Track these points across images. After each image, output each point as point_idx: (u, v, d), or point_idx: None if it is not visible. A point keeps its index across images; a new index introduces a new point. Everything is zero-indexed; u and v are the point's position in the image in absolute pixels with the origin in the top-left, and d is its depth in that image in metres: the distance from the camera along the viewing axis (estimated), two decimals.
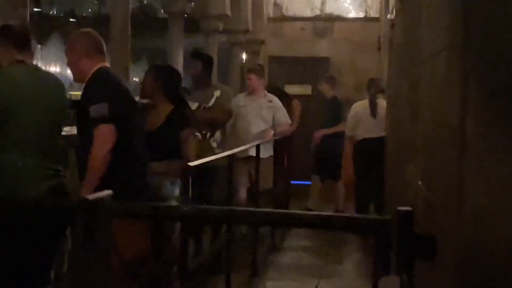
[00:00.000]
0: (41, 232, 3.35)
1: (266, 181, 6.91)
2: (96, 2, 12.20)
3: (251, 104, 7.09)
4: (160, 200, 4.10)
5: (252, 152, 6.37)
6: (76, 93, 8.35)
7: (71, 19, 13.19)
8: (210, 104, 5.98)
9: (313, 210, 9.08)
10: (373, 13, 12.72)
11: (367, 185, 7.83)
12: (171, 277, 4.22)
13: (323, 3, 13.10)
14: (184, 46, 8.41)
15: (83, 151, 3.60)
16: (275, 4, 13.20)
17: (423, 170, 3.01)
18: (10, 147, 3.40)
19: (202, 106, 5.97)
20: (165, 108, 4.62)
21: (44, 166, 3.49)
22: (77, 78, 3.83)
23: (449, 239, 2.13)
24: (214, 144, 5.66)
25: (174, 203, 4.28)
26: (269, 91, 7.64)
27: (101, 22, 9.44)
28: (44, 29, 13.06)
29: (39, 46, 14.36)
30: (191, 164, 3.94)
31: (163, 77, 4.70)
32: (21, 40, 3.62)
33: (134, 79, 8.51)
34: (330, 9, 13.05)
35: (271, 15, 13.00)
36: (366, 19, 12.80)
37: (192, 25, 10.04)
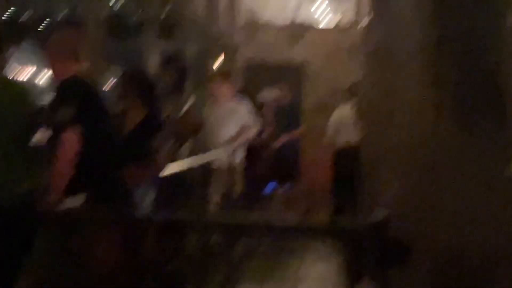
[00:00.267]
0: (7, 239, 3.28)
1: (239, 187, 6.85)
2: (69, 6, 12.07)
3: (216, 111, 6.97)
4: (132, 207, 4.05)
5: (214, 160, 6.33)
6: (46, 96, 8.27)
7: (44, 23, 13.05)
8: (181, 114, 5.88)
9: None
10: (347, 20, 12.78)
11: (345, 191, 7.85)
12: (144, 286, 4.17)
13: (297, 10, 13.13)
14: (159, 51, 8.38)
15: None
16: (249, 11, 13.20)
17: (398, 175, 3.01)
18: None
19: (170, 116, 5.86)
20: (138, 114, 4.58)
21: (14, 173, 3.44)
22: (53, 80, 3.83)
23: (423, 245, 2.14)
24: (180, 153, 5.43)
25: (146, 210, 4.24)
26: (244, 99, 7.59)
27: (76, 26, 9.37)
28: (16, 33, 12.90)
29: (11, 50, 14.19)
30: (165, 173, 3.91)
31: (136, 82, 4.66)
32: None
33: (107, 83, 8.39)
34: (304, 15, 13.09)
35: (245, 21, 13.00)
36: (340, 26, 12.86)
37: (166, 30, 10.01)
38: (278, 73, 12.26)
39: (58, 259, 3.08)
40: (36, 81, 16.39)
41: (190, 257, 5.27)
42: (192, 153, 5.79)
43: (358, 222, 2.81)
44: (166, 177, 3.98)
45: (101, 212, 2.25)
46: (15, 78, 4.05)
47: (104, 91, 3.99)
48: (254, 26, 13.04)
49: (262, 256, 7.04)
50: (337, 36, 12.50)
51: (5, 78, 3.97)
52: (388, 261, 2.01)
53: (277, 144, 8.61)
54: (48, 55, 3.87)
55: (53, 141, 3.61)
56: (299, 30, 12.84)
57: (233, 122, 6.99)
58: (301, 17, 13.10)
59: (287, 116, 9.05)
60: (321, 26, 13.01)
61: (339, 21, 13.03)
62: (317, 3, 12.47)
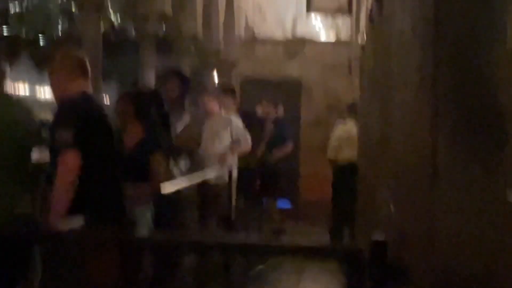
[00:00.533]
0: (4, 260, 3.26)
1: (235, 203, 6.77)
2: (67, 23, 12.11)
3: (207, 127, 6.88)
4: (132, 226, 4.04)
5: (211, 178, 6.27)
6: (43, 114, 8.25)
7: (41, 41, 13.09)
8: (179, 130, 5.76)
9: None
10: (344, 36, 12.84)
11: (345, 208, 7.85)
12: None
13: (294, 25, 13.19)
14: (156, 67, 8.39)
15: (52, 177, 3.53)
16: (247, 26, 13.26)
17: (394, 198, 3.02)
18: None
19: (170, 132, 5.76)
20: (137, 132, 4.59)
21: (11, 195, 3.42)
22: (56, 99, 3.75)
23: (420, 268, 2.14)
24: (177, 172, 5.29)
25: (145, 229, 4.23)
26: (242, 115, 7.56)
27: (72, 43, 9.38)
28: (14, 50, 12.93)
29: (8, 67, 14.20)
30: (164, 191, 3.90)
31: (135, 101, 4.66)
32: None
33: (105, 99, 8.35)
34: (301, 31, 13.15)
35: (243, 37, 13.05)
36: (337, 42, 12.92)
37: (164, 47, 10.04)
38: (276, 88, 12.30)
39: (56, 280, 3.07)
40: (32, 99, 16.41)
41: (187, 277, 5.25)
42: (190, 169, 5.71)
43: (356, 242, 2.82)
44: (164, 196, 3.97)
45: (99, 234, 2.25)
46: (10, 97, 3.99)
47: (105, 109, 3.90)
48: (252, 42, 13.10)
49: (260, 275, 7.04)
50: (334, 51, 12.56)
51: (12, 96, 3.96)
52: (386, 282, 2.01)
53: (272, 159, 8.53)
54: (50, 72, 3.78)
55: (53, 162, 3.57)
56: (297, 45, 12.90)
57: (225, 137, 6.95)
58: (299, 33, 13.15)
59: (285, 130, 9.04)
60: (318, 41, 13.05)
61: (337, 37, 13.08)
62: (315, 19, 12.52)
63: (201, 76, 11.27)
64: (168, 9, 7.99)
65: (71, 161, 3.41)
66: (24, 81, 15.93)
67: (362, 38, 6.85)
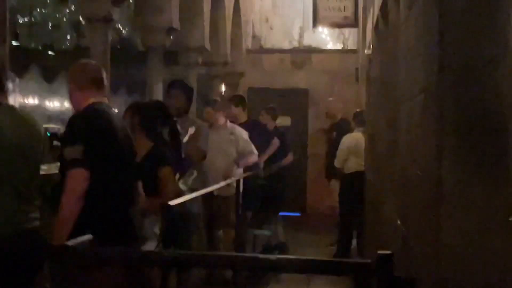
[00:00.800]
0: (10, 276, 3.23)
1: (230, 220, 6.59)
2: (75, 35, 12.19)
3: (212, 138, 6.61)
4: (140, 240, 4.04)
5: (217, 191, 6.17)
6: (52, 126, 8.33)
7: (49, 52, 13.17)
8: (184, 141, 5.65)
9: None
10: (351, 45, 12.87)
11: (353, 219, 7.85)
12: None
13: (301, 35, 13.23)
14: (163, 78, 8.41)
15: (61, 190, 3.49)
16: (254, 37, 13.31)
17: (400, 209, 3.02)
18: None
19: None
20: (144, 145, 4.58)
21: (19, 210, 3.41)
22: (74, 110, 3.69)
23: (427, 282, 2.14)
24: (184, 187, 5.22)
25: (153, 243, 4.23)
26: (249, 125, 7.47)
27: (81, 54, 9.43)
28: (23, 62, 13.02)
29: (17, 79, 14.27)
30: (171, 202, 3.89)
31: (141, 113, 4.65)
32: None
33: (113, 110, 8.30)
34: (308, 41, 13.18)
35: (250, 47, 13.10)
36: (344, 51, 12.94)
37: (171, 57, 10.08)
38: (283, 98, 12.33)
39: None
40: (41, 110, 16.49)
41: None
42: (196, 182, 5.65)
43: (364, 259, 2.82)
44: (172, 209, 3.97)
45: (107, 251, 2.25)
46: (18, 111, 3.95)
47: (118, 121, 3.80)
48: (259, 52, 13.14)
49: None
50: (341, 61, 12.58)
51: (22, 111, 3.93)
52: None
53: (272, 170, 8.31)
54: (70, 84, 3.71)
55: (61, 176, 3.51)
56: (304, 55, 12.93)
57: (230, 150, 6.82)
58: (306, 42, 13.19)
59: (285, 141, 8.88)
60: (325, 50, 13.08)
61: (344, 46, 13.11)
62: (321, 29, 12.54)
63: (209, 87, 11.31)
64: (175, 21, 8.02)
65: (79, 178, 3.35)
66: (33, 92, 16.06)
67: (368, 48, 6.87)
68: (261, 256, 2.27)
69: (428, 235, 2.24)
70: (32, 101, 16.23)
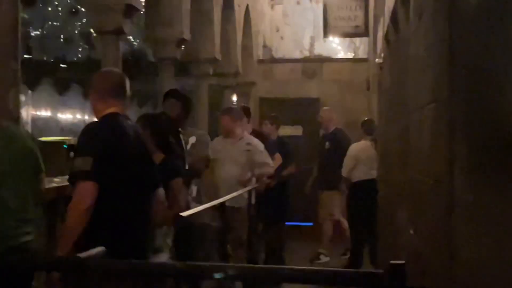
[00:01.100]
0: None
1: (243, 232, 6.47)
2: (86, 47, 12.27)
3: (227, 149, 6.60)
4: (153, 252, 4.03)
5: (229, 202, 5.99)
6: (68, 138, 8.38)
7: (61, 65, 13.26)
8: (187, 149, 5.56)
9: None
10: (362, 54, 12.86)
11: (364, 227, 7.82)
12: None
13: (312, 45, 13.24)
14: (172, 88, 8.40)
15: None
16: (265, 47, 13.34)
17: (413, 219, 3.01)
18: None
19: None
20: (156, 157, 4.58)
21: (10, 226, 3.41)
22: (95, 116, 3.63)
23: None
24: (188, 198, 5.18)
25: (166, 254, 4.22)
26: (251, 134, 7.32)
27: (92, 66, 9.48)
28: (35, 74, 13.11)
29: (29, 92, 14.40)
30: (183, 214, 3.89)
31: (151, 126, 4.64)
32: None
33: (130, 121, 8.27)
34: (319, 50, 13.19)
35: (261, 58, 13.13)
36: (355, 60, 12.93)
37: (182, 69, 10.12)
38: (294, 107, 12.33)
39: None
40: (53, 122, 16.61)
41: None
42: (197, 199, 5.53)
43: (377, 269, 2.80)
44: (184, 220, 3.96)
45: (119, 263, 2.26)
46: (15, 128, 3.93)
47: (133, 132, 3.71)
48: (270, 62, 13.16)
49: None
50: (353, 69, 12.57)
51: (17, 128, 3.92)
52: None
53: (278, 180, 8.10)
54: (91, 91, 3.65)
55: (72, 187, 3.48)
56: (315, 64, 12.93)
57: (241, 162, 6.64)
58: (317, 52, 13.20)
59: (289, 151, 8.69)
60: (336, 59, 13.08)
61: (355, 55, 13.11)
62: (332, 38, 12.55)
63: (220, 98, 11.33)
64: (186, 32, 8.05)
65: (86, 190, 3.30)
66: (45, 104, 16.16)
67: (379, 57, 6.86)
68: (272, 267, 2.27)
69: (441, 245, 2.23)
70: (44, 113, 16.31)
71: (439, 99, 2.32)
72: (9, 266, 2.76)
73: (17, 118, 4.60)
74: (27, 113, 14.55)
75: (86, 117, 16.17)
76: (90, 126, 3.60)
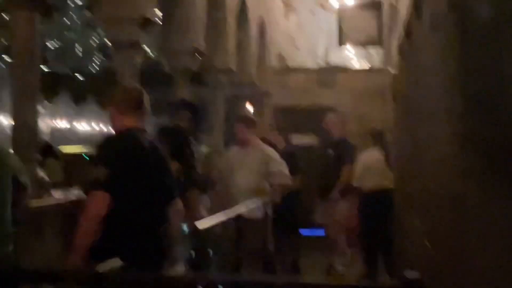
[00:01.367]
0: None
1: (259, 243, 6.32)
2: (103, 58, 12.37)
3: (242, 158, 6.47)
4: (170, 262, 4.05)
5: (245, 213, 5.90)
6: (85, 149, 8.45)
7: (78, 76, 13.38)
8: (200, 160, 5.67)
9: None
10: (376, 63, 12.87)
11: (377, 235, 7.79)
12: None
13: (326, 54, 13.26)
14: (190, 99, 8.44)
15: None
16: (280, 56, 13.37)
17: (428, 229, 3.02)
18: None
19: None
20: (172, 168, 4.61)
21: None
22: (112, 130, 3.67)
23: None
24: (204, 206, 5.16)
25: (183, 265, 4.24)
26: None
27: (109, 78, 9.55)
28: (52, 86, 13.23)
29: (47, 103, 14.53)
30: (201, 227, 3.90)
31: (172, 138, 4.66)
32: None
33: (147, 135, 8.29)
34: (333, 59, 13.21)
35: (276, 67, 13.16)
36: (369, 69, 12.94)
37: (198, 78, 10.16)
38: (309, 117, 12.34)
39: None
40: (70, 133, 16.73)
41: None
42: (214, 201, 5.52)
43: (393, 282, 2.81)
44: (201, 230, 3.98)
45: (136, 275, 2.28)
46: None
47: (150, 146, 3.73)
48: (285, 71, 13.19)
49: None
50: (367, 79, 12.57)
51: None
52: None
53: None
54: (110, 105, 3.70)
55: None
56: (330, 74, 12.95)
57: (258, 171, 6.59)
58: (331, 61, 13.22)
59: (296, 160, 8.55)
60: (351, 69, 13.10)
61: (369, 64, 13.12)
62: (347, 48, 12.57)
63: (235, 107, 11.37)
64: (201, 43, 8.10)
65: (97, 200, 3.33)
66: (63, 116, 16.31)
67: (393, 66, 6.87)
68: (288, 279, 2.29)
69: (455, 255, 2.25)
70: (62, 124, 16.44)
71: (452, 111, 2.34)
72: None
73: (35, 130, 4.67)
74: (46, 124, 14.68)
75: (103, 127, 16.26)
76: (107, 138, 3.65)
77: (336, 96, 12.72)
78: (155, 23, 6.58)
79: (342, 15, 11.57)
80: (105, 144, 3.56)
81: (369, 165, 7.99)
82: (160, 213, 3.64)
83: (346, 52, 13.06)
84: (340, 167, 8.67)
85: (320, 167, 9.07)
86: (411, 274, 1.90)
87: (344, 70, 13.04)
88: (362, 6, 11.87)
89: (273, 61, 13.15)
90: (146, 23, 6.29)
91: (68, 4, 11.28)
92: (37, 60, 4.69)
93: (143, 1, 6.18)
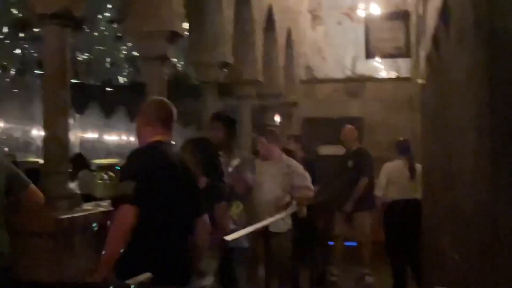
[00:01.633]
0: None
1: (283, 259, 6.28)
2: (131, 70, 12.49)
3: (266, 171, 6.43)
4: (198, 276, 4.06)
5: (270, 227, 5.89)
6: (110, 161, 8.51)
7: (107, 88, 13.52)
8: (230, 172, 5.54)
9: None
10: (404, 73, 12.81)
11: (403, 247, 7.73)
12: None
13: (354, 64, 13.25)
14: (218, 110, 8.46)
15: None
16: (307, 67, 13.39)
17: (457, 243, 3.00)
18: None
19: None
20: (201, 181, 4.63)
21: None
22: (139, 144, 3.71)
23: None
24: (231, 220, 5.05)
25: (211, 278, 4.25)
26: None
27: (137, 90, 9.63)
28: (82, 98, 13.40)
29: (77, 115, 14.70)
30: (227, 237, 3.91)
31: (201, 151, 4.68)
32: None
33: (174, 149, 8.35)
34: (361, 70, 13.18)
35: (303, 78, 13.18)
36: (397, 79, 12.88)
37: (225, 90, 10.21)
38: (337, 127, 12.30)
39: None
40: (99, 144, 16.89)
41: None
42: (238, 222, 5.47)
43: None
44: (228, 243, 3.99)
45: None
46: None
47: (177, 160, 3.76)
48: (312, 82, 13.20)
49: None
50: (395, 89, 12.52)
51: None
52: None
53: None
54: (138, 119, 3.77)
55: (114, 211, 3.51)
56: (357, 84, 12.93)
57: (281, 184, 6.42)
58: (359, 71, 13.20)
59: (313, 170, 8.44)
60: (379, 79, 13.06)
61: (397, 74, 13.07)
62: (374, 58, 12.55)
63: (263, 118, 11.40)
64: (229, 56, 8.15)
65: (126, 213, 3.36)
66: (92, 127, 16.49)
67: (422, 77, 6.84)
68: None
69: (485, 273, 2.23)
70: (91, 135, 16.63)
71: (481, 126, 2.32)
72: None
73: (66, 142, 4.73)
74: (75, 136, 14.87)
75: (132, 139, 16.42)
76: (136, 152, 3.66)
77: (364, 106, 12.69)
78: (183, 36, 6.65)
79: (369, 25, 11.54)
80: (133, 157, 3.59)
81: (393, 176, 7.95)
82: (187, 226, 3.66)
83: (374, 62, 13.03)
84: (359, 178, 8.68)
85: (341, 179, 9.07)
86: None
87: (372, 80, 13.01)
88: (389, 17, 11.84)
89: (301, 72, 13.17)
90: (174, 36, 6.35)
91: (97, 17, 11.43)
92: (68, 72, 4.75)
93: (171, 15, 6.25)
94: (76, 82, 10.80)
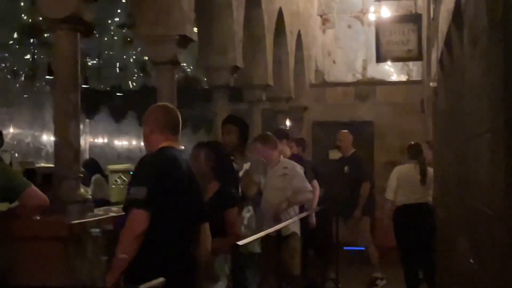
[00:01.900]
0: None
1: (292, 264, 6.32)
2: (141, 75, 12.49)
3: (268, 176, 6.39)
4: (210, 280, 4.06)
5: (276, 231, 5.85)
6: (123, 166, 8.48)
7: (117, 93, 13.52)
8: (241, 175, 5.46)
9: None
10: (415, 76, 12.77)
11: (415, 251, 7.70)
12: None
13: (364, 68, 13.22)
14: (230, 114, 8.44)
15: None
16: (317, 71, 13.37)
17: (472, 247, 2.97)
18: None
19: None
20: (212, 186, 4.63)
21: None
22: (147, 151, 3.76)
23: None
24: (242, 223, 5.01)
25: (224, 283, 4.24)
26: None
27: (148, 94, 9.63)
28: (92, 103, 13.40)
29: (87, 120, 14.71)
30: (239, 242, 3.91)
31: (215, 155, 4.66)
32: None
33: (183, 155, 8.36)
34: (371, 73, 13.16)
35: (313, 82, 13.16)
36: (409, 82, 12.84)
37: (235, 94, 10.20)
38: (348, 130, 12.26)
39: None
40: (110, 150, 16.88)
41: None
42: (252, 218, 5.46)
43: None
44: (239, 248, 3.99)
45: None
46: None
47: (186, 165, 3.77)
48: (323, 86, 13.18)
49: None
50: (407, 91, 12.47)
51: None
52: None
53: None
54: (145, 125, 3.79)
55: (125, 216, 3.53)
56: (368, 87, 12.90)
57: (280, 186, 6.42)
58: (369, 75, 13.17)
59: (310, 171, 8.41)
60: (390, 82, 13.03)
61: (408, 77, 13.03)
62: (385, 61, 12.50)
63: (273, 122, 11.38)
64: (239, 60, 8.14)
65: (138, 218, 3.39)
66: (103, 132, 16.50)
67: (433, 80, 6.80)
68: None
69: (501, 277, 2.20)
70: (101, 140, 16.65)
71: (496, 129, 2.30)
72: None
73: (78, 147, 4.73)
74: (85, 141, 14.89)
75: (142, 143, 16.45)
76: (147, 158, 3.69)
77: (375, 110, 12.66)
78: (193, 40, 6.64)
79: (380, 28, 11.51)
80: (145, 164, 3.62)
81: (404, 179, 7.93)
82: (194, 231, 3.69)
83: (384, 65, 13.00)
84: (360, 184, 8.68)
85: (338, 183, 9.05)
86: None
87: (383, 83, 12.98)
88: (400, 19, 11.81)
89: (311, 76, 13.15)
90: (185, 40, 6.35)
91: (107, 22, 11.43)
92: (78, 78, 4.76)
93: (181, 19, 6.25)
94: (86, 87, 10.77)
